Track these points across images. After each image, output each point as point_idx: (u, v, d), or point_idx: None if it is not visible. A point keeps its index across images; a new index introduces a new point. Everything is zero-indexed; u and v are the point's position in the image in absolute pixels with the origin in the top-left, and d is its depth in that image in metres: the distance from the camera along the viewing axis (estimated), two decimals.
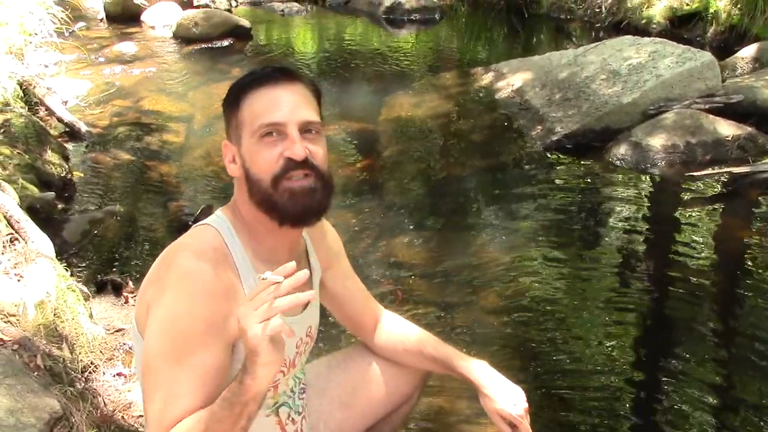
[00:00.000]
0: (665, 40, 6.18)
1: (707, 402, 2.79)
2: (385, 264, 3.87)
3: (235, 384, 1.39)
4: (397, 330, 1.97)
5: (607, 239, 4.23)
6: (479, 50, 8.97)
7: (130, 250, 4.10)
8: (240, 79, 1.64)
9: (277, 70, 1.60)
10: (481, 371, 1.87)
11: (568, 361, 3.08)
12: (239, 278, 1.56)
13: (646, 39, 6.20)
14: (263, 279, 1.35)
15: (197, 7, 9.68)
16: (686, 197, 4.68)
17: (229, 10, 10.19)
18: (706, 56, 5.61)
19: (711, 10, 7.72)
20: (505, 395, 1.82)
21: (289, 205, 1.53)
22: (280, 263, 1.53)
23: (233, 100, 1.59)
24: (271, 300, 1.33)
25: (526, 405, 1.82)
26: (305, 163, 1.53)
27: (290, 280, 1.35)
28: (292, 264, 1.37)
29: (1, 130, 4.44)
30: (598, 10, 9.04)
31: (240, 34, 9.01)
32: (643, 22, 8.22)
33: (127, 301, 3.42)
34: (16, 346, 2.42)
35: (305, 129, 1.55)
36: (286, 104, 1.54)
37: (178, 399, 1.44)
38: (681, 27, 8.00)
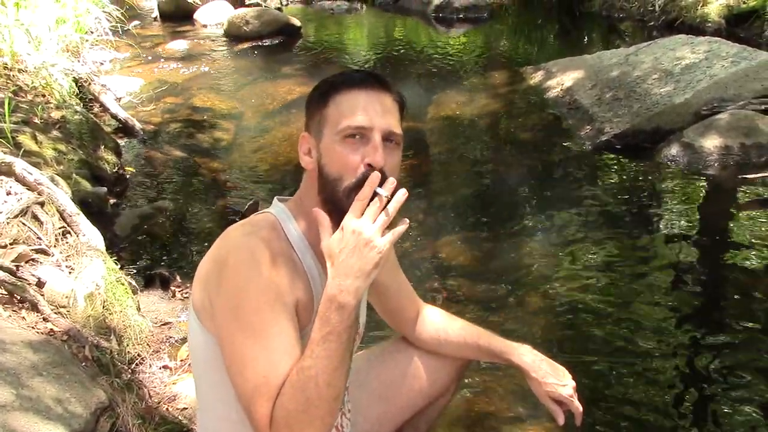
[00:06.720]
0: (720, 39, 6.04)
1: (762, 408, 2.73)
2: (430, 262, 3.86)
3: (332, 315, 1.43)
4: (439, 320, 2.00)
5: (657, 242, 4.15)
6: (529, 49, 8.88)
7: (178, 245, 4.16)
8: (332, 76, 1.66)
9: (370, 76, 1.63)
10: (527, 355, 1.91)
11: (613, 364, 3.03)
12: (296, 253, 1.60)
13: (701, 38, 6.06)
14: (379, 195, 1.47)
15: (249, 5, 9.81)
16: (740, 200, 4.57)
17: (279, 9, 10.30)
18: (763, 56, 5.48)
19: None
20: (553, 376, 1.87)
21: None
22: None
23: (321, 96, 1.61)
24: (384, 210, 1.46)
25: (574, 383, 1.88)
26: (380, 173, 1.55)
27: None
28: (393, 179, 1.48)
29: (57, 127, 4.55)
30: (651, 8, 8.89)
31: (290, 32, 9.09)
32: (698, 20, 8.07)
33: (174, 295, 3.48)
34: (65, 337, 2.48)
35: (387, 138, 1.57)
36: (374, 110, 1.56)
37: (278, 361, 1.45)
38: (737, 26, 7.83)
